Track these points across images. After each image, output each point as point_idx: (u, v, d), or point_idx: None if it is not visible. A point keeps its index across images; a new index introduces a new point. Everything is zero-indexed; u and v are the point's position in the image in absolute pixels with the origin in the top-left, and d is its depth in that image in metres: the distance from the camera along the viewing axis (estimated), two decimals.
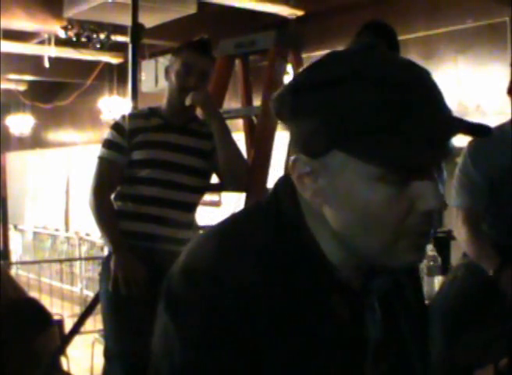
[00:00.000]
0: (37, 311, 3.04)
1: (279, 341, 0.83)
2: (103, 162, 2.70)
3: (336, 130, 0.81)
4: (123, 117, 2.74)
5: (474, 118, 4.64)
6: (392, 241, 0.83)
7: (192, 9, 5.06)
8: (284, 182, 0.91)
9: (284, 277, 0.85)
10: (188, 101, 2.67)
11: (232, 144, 2.74)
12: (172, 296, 0.86)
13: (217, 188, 3.14)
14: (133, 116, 2.78)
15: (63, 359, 3.47)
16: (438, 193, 0.82)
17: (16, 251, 9.95)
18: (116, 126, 2.72)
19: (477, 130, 0.83)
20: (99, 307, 2.86)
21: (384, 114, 0.79)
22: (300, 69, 0.89)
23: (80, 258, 8.65)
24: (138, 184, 2.67)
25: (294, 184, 0.89)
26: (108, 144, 2.71)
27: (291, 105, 0.86)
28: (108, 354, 2.69)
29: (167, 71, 2.76)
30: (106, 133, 2.75)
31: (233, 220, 0.94)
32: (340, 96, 0.81)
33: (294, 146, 0.87)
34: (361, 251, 0.85)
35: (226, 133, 2.73)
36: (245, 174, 2.80)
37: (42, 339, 2.95)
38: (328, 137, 0.82)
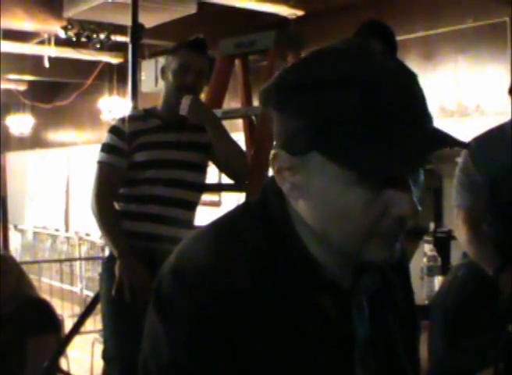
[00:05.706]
0: (48, 312, 3.05)
1: (267, 340, 0.83)
2: (103, 166, 2.69)
3: (317, 132, 0.81)
4: (122, 120, 2.74)
5: (474, 118, 4.65)
6: (365, 239, 0.84)
7: (192, 9, 5.05)
8: (272, 182, 0.91)
9: (272, 277, 0.86)
10: (181, 112, 2.67)
11: (231, 143, 2.75)
12: (161, 295, 0.87)
13: (217, 188, 3.14)
14: (130, 118, 2.77)
15: (63, 359, 3.48)
16: (411, 200, 0.82)
17: (16, 251, 9.93)
18: (115, 130, 2.71)
19: (456, 145, 0.83)
20: (99, 307, 2.86)
21: (365, 122, 0.79)
22: (287, 66, 0.88)
23: (80, 259, 8.64)
24: (142, 185, 2.68)
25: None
26: (107, 148, 2.70)
27: (276, 102, 0.86)
28: (106, 356, 2.68)
29: (163, 71, 2.77)
30: (104, 137, 2.74)
31: (223, 221, 0.94)
32: (324, 100, 0.81)
33: (276, 140, 0.88)
34: (334, 246, 0.86)
35: (223, 137, 2.74)
36: (246, 166, 2.84)
37: (46, 340, 2.95)
38: (309, 138, 0.82)
